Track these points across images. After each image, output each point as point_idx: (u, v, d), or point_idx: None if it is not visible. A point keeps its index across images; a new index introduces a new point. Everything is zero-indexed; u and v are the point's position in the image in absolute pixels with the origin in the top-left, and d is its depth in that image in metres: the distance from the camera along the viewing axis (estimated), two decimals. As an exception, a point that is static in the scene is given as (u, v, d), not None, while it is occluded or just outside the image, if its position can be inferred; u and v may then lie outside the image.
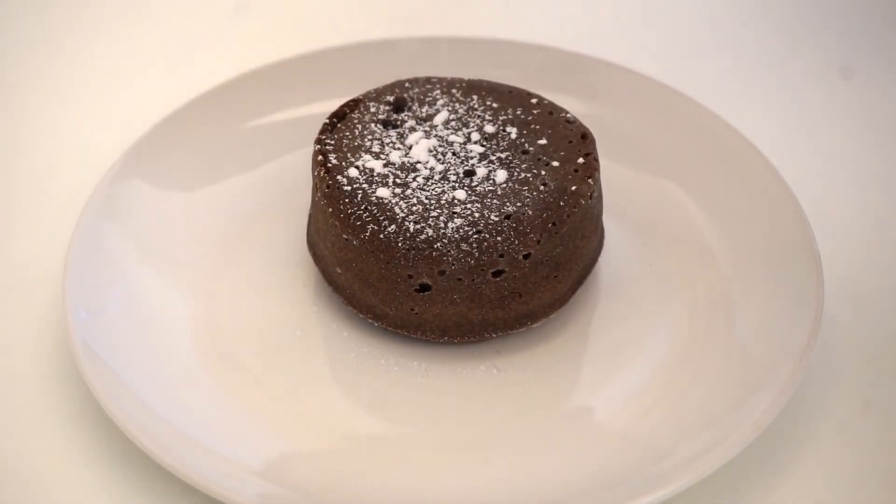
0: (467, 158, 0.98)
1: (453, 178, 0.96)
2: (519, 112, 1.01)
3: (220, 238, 1.04)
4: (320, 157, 0.97)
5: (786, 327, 0.93)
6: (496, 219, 0.92)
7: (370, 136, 0.99)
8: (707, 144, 1.09)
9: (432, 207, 0.93)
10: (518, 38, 1.20)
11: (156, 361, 0.92)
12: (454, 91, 1.04)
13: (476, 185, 0.95)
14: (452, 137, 0.99)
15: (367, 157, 0.97)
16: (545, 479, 0.86)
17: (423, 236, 0.91)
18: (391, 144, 0.99)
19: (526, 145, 0.98)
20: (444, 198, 0.94)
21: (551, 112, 1.01)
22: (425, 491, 0.86)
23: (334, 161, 0.97)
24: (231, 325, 0.97)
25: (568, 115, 1.01)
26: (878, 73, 1.28)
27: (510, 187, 0.94)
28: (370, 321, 0.96)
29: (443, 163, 0.97)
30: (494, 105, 1.02)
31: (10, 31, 1.33)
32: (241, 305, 0.99)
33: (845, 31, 1.34)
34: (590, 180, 0.95)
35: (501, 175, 0.95)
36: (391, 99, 1.03)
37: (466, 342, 0.96)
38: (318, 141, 0.99)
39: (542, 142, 0.98)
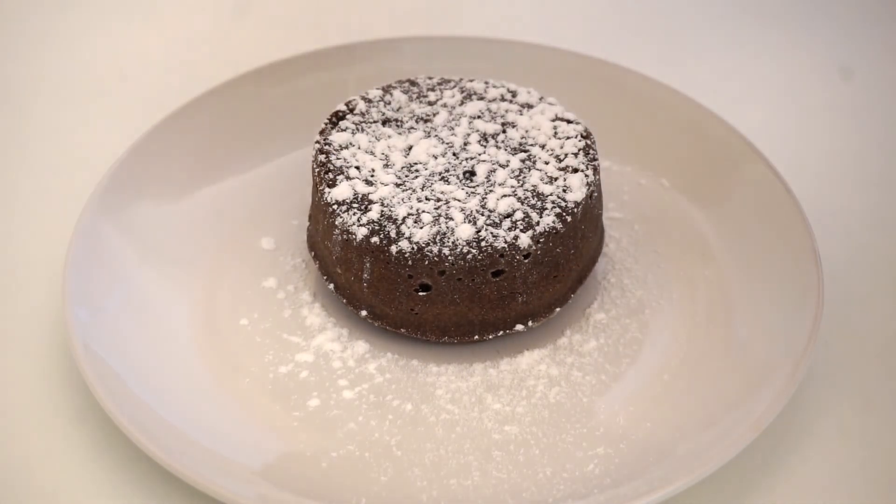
0: (467, 158, 0.98)
1: (453, 178, 0.96)
2: (519, 112, 1.01)
3: (219, 238, 1.04)
4: (320, 158, 0.97)
5: (786, 327, 0.93)
6: (496, 219, 0.92)
7: (370, 137, 0.99)
8: (707, 144, 1.09)
9: (432, 207, 0.93)
10: (518, 39, 1.20)
11: (156, 361, 0.92)
12: (454, 91, 1.04)
13: (476, 185, 0.95)
14: (452, 137, 0.99)
15: (367, 157, 0.97)
16: (545, 479, 0.86)
17: (422, 236, 0.91)
18: (391, 145, 0.99)
19: (526, 145, 0.98)
20: (443, 198, 0.94)
21: (552, 112, 1.01)
22: (425, 491, 0.86)
23: (334, 161, 0.97)
24: (231, 324, 0.97)
25: (568, 115, 1.01)
26: (878, 73, 1.28)
27: (510, 187, 0.94)
28: (370, 321, 0.96)
29: (443, 163, 0.97)
30: (494, 105, 1.02)
31: (11, 30, 1.33)
32: (240, 305, 0.99)
33: (845, 31, 1.34)
34: (589, 180, 0.95)
35: (501, 175, 0.95)
36: (391, 99, 1.03)
37: (466, 342, 0.96)
38: (318, 141, 0.99)
39: (542, 141, 0.98)
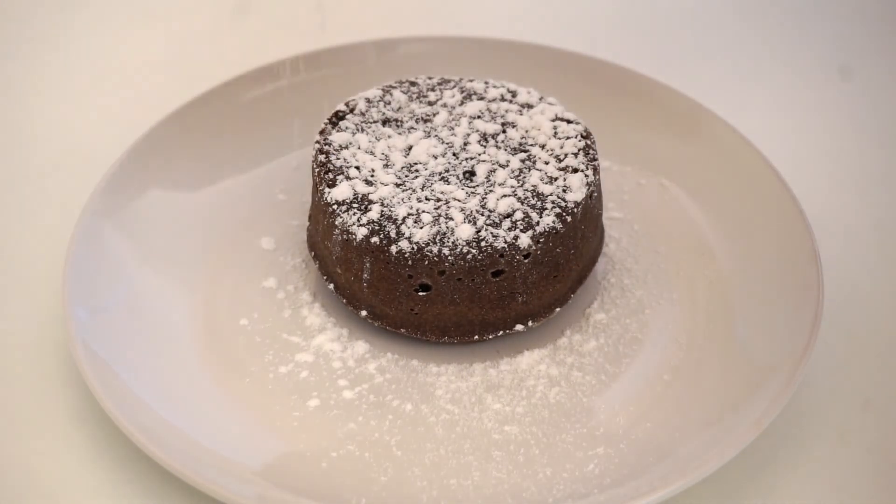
0: (467, 159, 0.98)
1: (453, 178, 0.96)
2: (519, 112, 1.01)
3: (220, 238, 1.04)
4: (320, 158, 0.97)
5: (786, 327, 0.93)
6: (496, 219, 0.92)
7: (370, 137, 0.99)
8: (707, 144, 1.09)
9: (432, 207, 0.93)
10: (518, 39, 1.20)
11: (156, 361, 0.92)
12: (454, 91, 1.04)
13: (476, 186, 0.95)
14: (452, 137, 0.99)
15: (367, 157, 0.97)
16: (545, 479, 0.86)
17: (422, 236, 0.91)
18: (391, 145, 0.99)
19: (526, 145, 0.98)
20: (443, 198, 0.94)
21: (552, 112, 1.01)
22: (425, 491, 0.86)
23: (334, 161, 0.97)
24: (231, 325, 0.97)
25: (568, 115, 1.01)
26: (878, 73, 1.28)
27: (510, 187, 0.94)
28: (370, 321, 0.96)
29: (443, 163, 0.97)
30: (494, 105, 1.02)
31: (11, 30, 1.33)
32: (240, 305, 0.99)
33: (845, 31, 1.34)
34: (589, 180, 0.95)
35: (501, 175, 0.95)
36: (391, 99, 1.03)
37: (466, 342, 0.96)
38: (318, 141, 0.99)
39: (542, 141, 0.98)
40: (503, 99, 1.03)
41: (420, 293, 0.93)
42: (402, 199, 0.93)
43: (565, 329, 0.98)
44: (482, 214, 0.92)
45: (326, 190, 0.95)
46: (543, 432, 0.90)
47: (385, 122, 1.01)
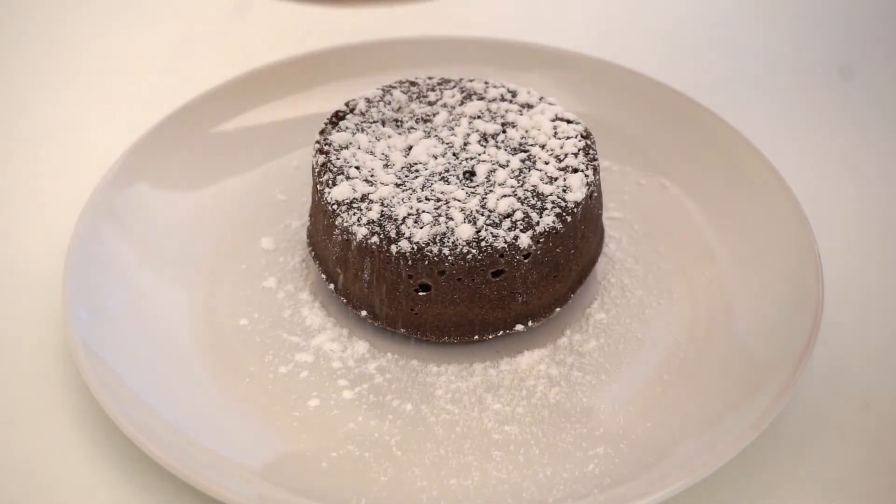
0: (467, 159, 0.98)
1: (453, 178, 0.96)
2: (519, 112, 1.01)
3: (220, 238, 1.04)
4: (320, 157, 0.97)
5: (786, 327, 0.93)
6: (496, 219, 0.92)
7: (370, 137, 0.99)
8: (707, 144, 1.09)
9: (432, 207, 0.93)
10: (518, 39, 1.20)
11: (156, 361, 0.92)
12: (454, 91, 1.04)
13: (476, 186, 0.95)
14: (452, 137, 0.99)
15: (367, 157, 0.97)
16: (545, 479, 0.86)
17: (422, 236, 0.91)
18: (391, 145, 0.99)
19: (526, 145, 0.98)
20: (443, 198, 0.94)
21: (552, 112, 1.01)
22: (425, 491, 0.86)
23: (334, 161, 0.97)
24: (231, 324, 0.97)
25: (568, 115, 1.01)
26: (878, 73, 1.28)
27: (510, 187, 0.94)
28: (370, 321, 0.96)
29: (443, 163, 0.97)
30: (494, 105, 1.02)
31: (11, 31, 1.33)
32: (240, 305, 0.99)
33: (845, 31, 1.34)
34: (589, 180, 0.95)
35: (501, 175, 0.95)
36: (391, 99, 1.03)
37: (466, 342, 0.95)
38: (318, 141, 0.99)
39: (542, 141, 0.98)
40: (503, 99, 1.03)
41: (420, 293, 0.93)
42: (402, 199, 0.94)
43: (565, 329, 0.98)
44: (482, 214, 0.92)
45: (326, 190, 0.95)
46: (543, 432, 0.90)
47: (385, 122, 1.01)
